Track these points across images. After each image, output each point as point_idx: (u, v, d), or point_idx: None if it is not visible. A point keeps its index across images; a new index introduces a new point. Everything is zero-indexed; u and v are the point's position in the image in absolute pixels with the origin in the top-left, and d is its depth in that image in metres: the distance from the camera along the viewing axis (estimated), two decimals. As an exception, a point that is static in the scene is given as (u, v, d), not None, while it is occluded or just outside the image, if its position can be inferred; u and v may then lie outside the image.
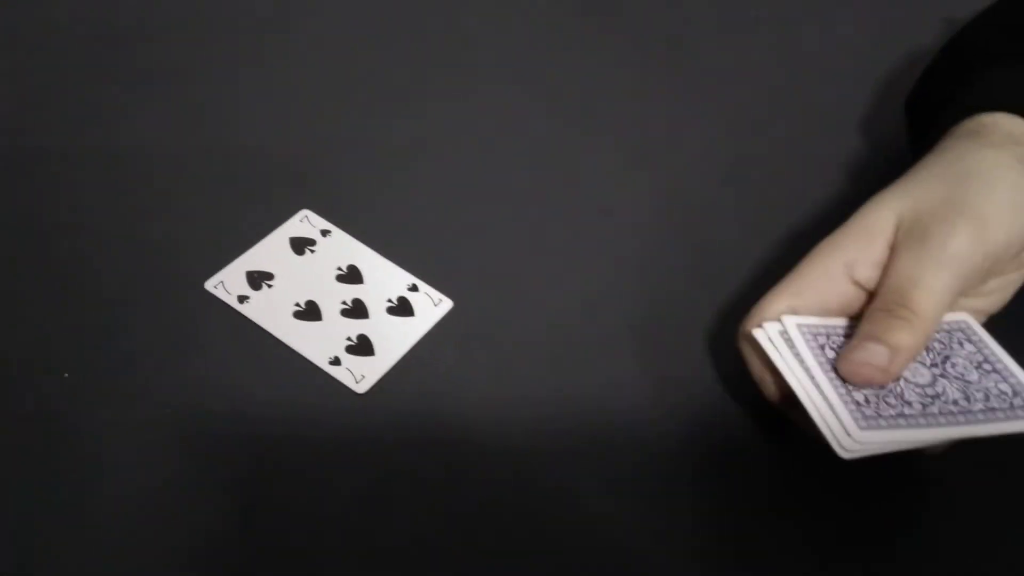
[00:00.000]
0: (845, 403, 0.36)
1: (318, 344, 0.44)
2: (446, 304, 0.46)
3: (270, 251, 0.48)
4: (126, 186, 0.50)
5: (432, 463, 0.41)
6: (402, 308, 0.46)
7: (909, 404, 0.37)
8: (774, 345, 0.38)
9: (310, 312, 0.45)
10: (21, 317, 0.44)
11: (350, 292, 0.46)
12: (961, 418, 0.37)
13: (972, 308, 0.42)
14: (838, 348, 0.38)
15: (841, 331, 0.39)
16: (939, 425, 0.36)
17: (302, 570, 0.37)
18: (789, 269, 0.40)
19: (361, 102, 0.56)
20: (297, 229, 0.49)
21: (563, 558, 0.38)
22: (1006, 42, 0.47)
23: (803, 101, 0.59)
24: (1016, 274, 0.41)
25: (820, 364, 0.38)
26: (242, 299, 0.45)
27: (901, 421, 0.36)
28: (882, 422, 0.36)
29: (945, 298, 0.37)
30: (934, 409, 0.37)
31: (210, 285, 0.46)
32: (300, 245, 0.48)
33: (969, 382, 0.38)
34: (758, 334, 0.39)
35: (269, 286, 0.46)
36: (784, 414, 0.41)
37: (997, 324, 0.42)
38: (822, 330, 0.39)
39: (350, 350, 0.44)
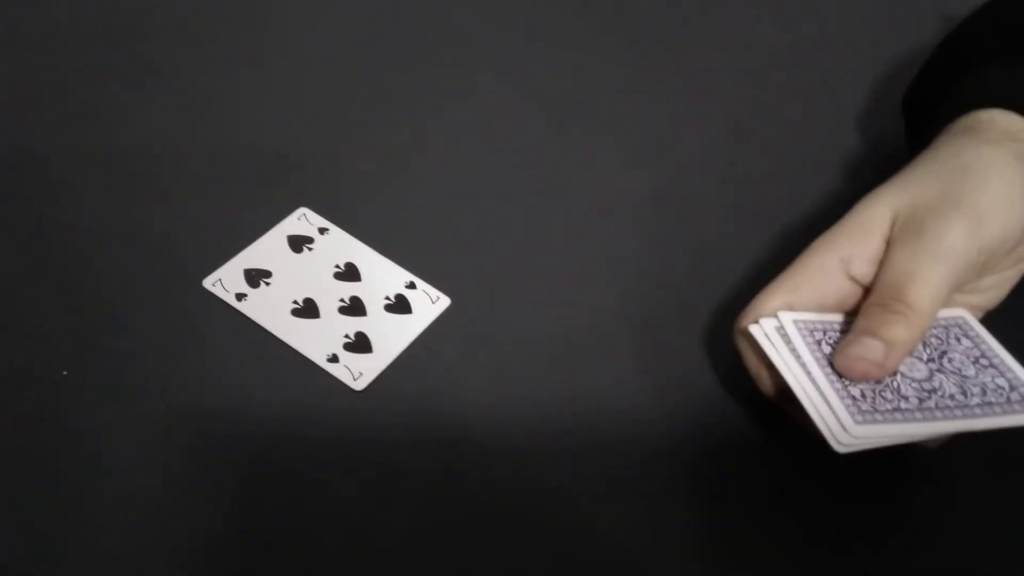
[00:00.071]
0: (841, 398, 0.36)
1: (316, 342, 0.44)
2: (444, 302, 0.46)
3: (268, 249, 0.48)
4: (125, 184, 0.50)
5: (430, 460, 0.41)
6: (400, 306, 0.46)
7: (906, 399, 0.37)
8: (770, 341, 0.38)
9: (308, 310, 0.45)
10: (20, 315, 0.44)
11: (348, 290, 0.46)
12: (958, 412, 0.37)
13: (969, 305, 0.42)
14: (834, 344, 0.38)
15: (837, 327, 0.39)
16: (935, 419, 0.36)
17: (299, 567, 0.37)
18: (786, 266, 0.40)
19: (359, 100, 0.57)
20: (295, 227, 0.49)
21: (559, 553, 0.39)
22: (1002, 39, 0.47)
23: (800, 98, 0.59)
24: (1013, 270, 0.41)
25: (816, 359, 0.38)
26: (240, 297, 0.46)
27: (897, 415, 0.36)
28: (878, 416, 0.36)
29: (941, 292, 0.37)
30: (930, 404, 0.37)
31: (208, 283, 0.46)
32: (298, 243, 0.48)
33: (966, 377, 0.38)
34: (754, 330, 0.39)
35: (267, 284, 0.46)
36: (781, 409, 0.41)
37: (994, 320, 0.42)
38: (818, 326, 0.39)
39: (348, 347, 0.44)
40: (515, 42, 0.62)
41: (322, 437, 0.41)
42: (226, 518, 0.39)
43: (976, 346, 0.40)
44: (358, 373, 0.43)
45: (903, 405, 0.36)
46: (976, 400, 0.37)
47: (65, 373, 0.42)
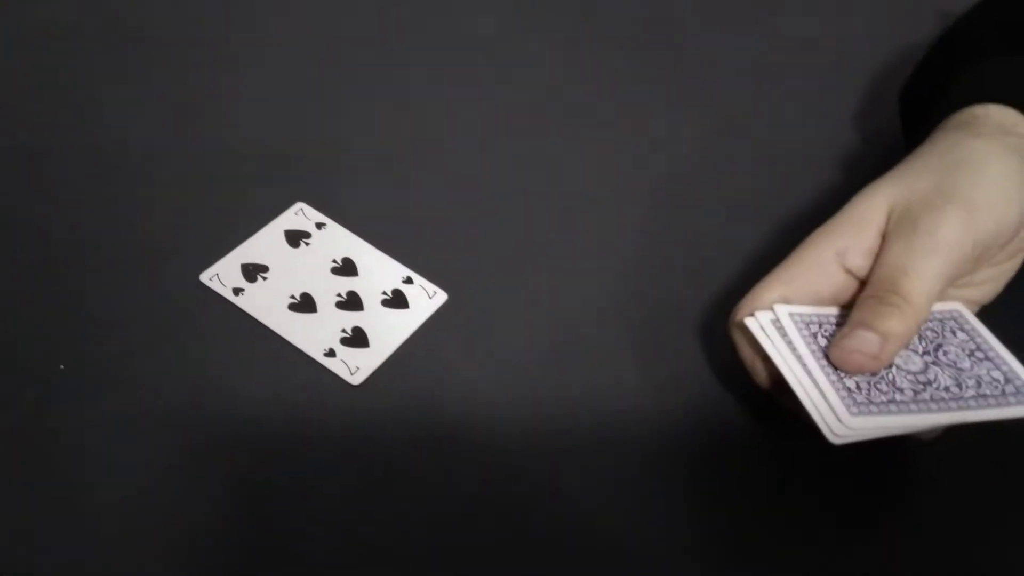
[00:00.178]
0: (836, 390, 0.36)
1: (313, 336, 0.44)
2: (441, 297, 0.47)
3: (265, 244, 0.48)
4: (121, 180, 0.51)
5: (426, 454, 0.41)
6: (397, 300, 0.46)
7: (901, 391, 0.37)
8: (766, 334, 0.39)
9: (305, 304, 0.45)
10: (17, 309, 0.44)
11: (345, 284, 0.46)
12: (952, 404, 0.37)
13: (964, 298, 0.42)
14: (830, 336, 0.38)
15: (833, 319, 0.39)
16: (930, 411, 0.36)
17: (296, 562, 0.37)
18: (782, 260, 0.40)
19: (357, 95, 0.57)
20: (292, 222, 0.49)
21: (554, 547, 0.39)
22: (998, 35, 0.47)
23: (797, 94, 0.60)
24: (1007, 264, 0.42)
25: (812, 352, 0.38)
26: (237, 291, 0.46)
27: (892, 407, 0.36)
28: (873, 408, 0.36)
29: (935, 285, 0.37)
30: (925, 396, 0.37)
31: (205, 278, 0.46)
32: (295, 238, 0.48)
33: (961, 369, 0.38)
34: (750, 323, 0.39)
35: (264, 279, 0.46)
36: (776, 400, 0.41)
37: (989, 314, 0.42)
38: (814, 319, 0.39)
39: (345, 342, 0.44)
40: (511, 38, 0.62)
41: (319, 431, 0.41)
42: (222, 512, 0.39)
43: (971, 339, 0.40)
44: (355, 368, 0.43)
45: (898, 397, 0.37)
46: (971, 392, 0.37)
47: (62, 367, 0.42)
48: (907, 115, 0.51)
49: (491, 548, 0.38)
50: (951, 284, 0.39)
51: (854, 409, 0.35)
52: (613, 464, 0.41)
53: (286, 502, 0.39)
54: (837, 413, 0.35)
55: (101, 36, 0.59)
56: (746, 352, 0.40)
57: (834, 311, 0.40)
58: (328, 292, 0.46)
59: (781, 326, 0.38)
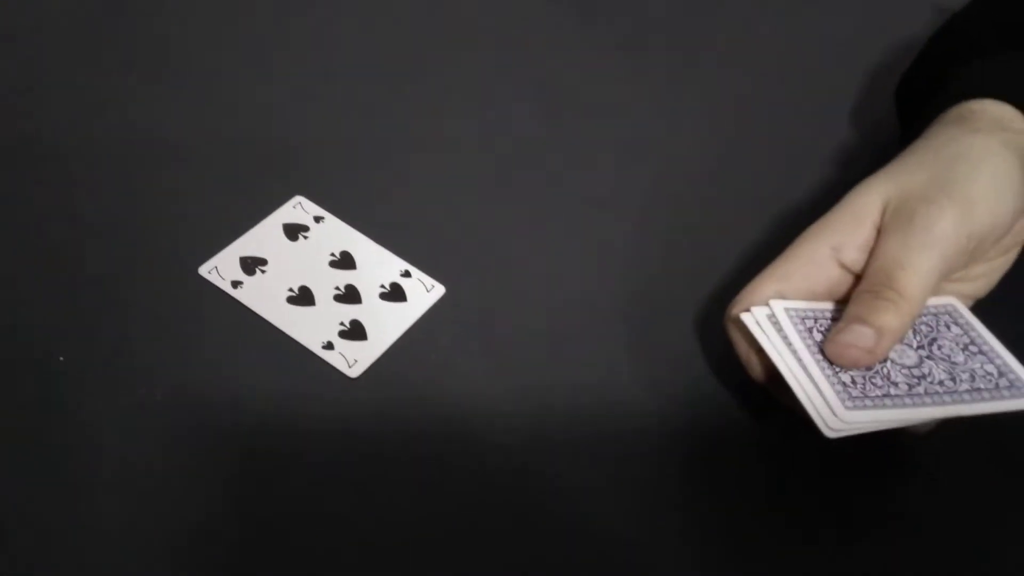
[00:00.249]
0: (832, 384, 0.36)
1: (311, 329, 0.44)
2: (438, 290, 0.47)
3: (264, 237, 0.48)
4: (121, 172, 0.51)
5: (424, 447, 0.41)
6: (395, 294, 0.46)
7: (895, 385, 0.37)
8: (762, 329, 0.39)
9: (303, 297, 0.46)
10: (16, 301, 0.45)
11: (343, 278, 0.47)
12: (947, 398, 0.37)
13: (959, 293, 0.42)
14: (825, 331, 0.39)
15: (828, 314, 0.39)
16: (924, 405, 0.37)
17: (293, 554, 0.38)
18: (778, 255, 0.41)
19: (356, 89, 0.57)
20: (290, 215, 0.49)
21: (550, 538, 0.39)
22: (995, 31, 0.47)
23: (794, 89, 0.60)
24: (1002, 259, 0.42)
25: (808, 347, 0.38)
26: (236, 284, 0.46)
27: (887, 401, 0.36)
28: (868, 402, 0.36)
29: (930, 279, 0.37)
30: (920, 389, 0.37)
31: (204, 270, 0.46)
32: (293, 231, 0.48)
33: (955, 363, 0.39)
34: (746, 318, 0.39)
35: (263, 271, 0.46)
36: (771, 393, 0.41)
37: (984, 308, 0.42)
38: (809, 314, 0.39)
39: (343, 335, 0.44)
40: (510, 33, 0.62)
41: (317, 424, 0.41)
42: (221, 504, 0.39)
43: (966, 333, 0.40)
44: (353, 360, 0.43)
45: (893, 391, 0.37)
46: (965, 386, 0.38)
47: (61, 359, 0.42)
48: (903, 110, 0.51)
49: (487, 540, 0.39)
50: (946, 278, 0.39)
51: (849, 403, 0.36)
52: (607, 453, 0.41)
53: (283, 494, 0.39)
54: (832, 407, 0.36)
55: (100, 31, 0.59)
56: (742, 347, 0.41)
57: (829, 306, 0.40)
58: (326, 285, 0.46)
59: (777, 321, 0.39)
